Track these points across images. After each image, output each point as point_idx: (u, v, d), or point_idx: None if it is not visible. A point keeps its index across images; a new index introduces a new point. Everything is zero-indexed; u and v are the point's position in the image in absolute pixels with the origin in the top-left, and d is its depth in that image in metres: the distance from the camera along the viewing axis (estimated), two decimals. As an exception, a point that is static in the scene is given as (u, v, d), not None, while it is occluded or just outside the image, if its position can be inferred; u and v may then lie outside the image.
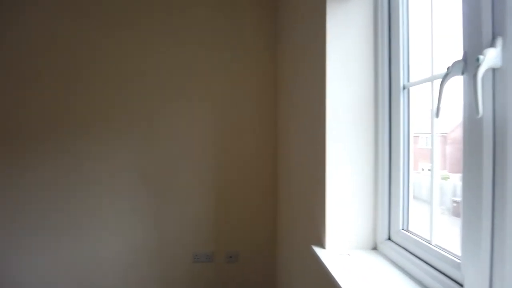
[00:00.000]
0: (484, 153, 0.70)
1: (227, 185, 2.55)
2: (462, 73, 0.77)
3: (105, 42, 2.47)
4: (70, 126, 2.45)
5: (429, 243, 0.99)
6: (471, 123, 0.74)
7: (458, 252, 0.84)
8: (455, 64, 0.79)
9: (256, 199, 2.57)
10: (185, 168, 2.53)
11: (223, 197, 2.55)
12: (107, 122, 2.47)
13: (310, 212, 1.49)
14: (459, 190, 0.94)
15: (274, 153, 2.57)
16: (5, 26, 2.42)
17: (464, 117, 0.77)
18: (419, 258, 1.01)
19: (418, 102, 1.15)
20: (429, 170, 1.01)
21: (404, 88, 1.17)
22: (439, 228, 0.97)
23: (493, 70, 0.68)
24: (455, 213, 1.09)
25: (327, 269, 1.09)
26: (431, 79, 0.98)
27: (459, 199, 0.98)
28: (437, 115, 0.84)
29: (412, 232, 1.13)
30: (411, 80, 1.16)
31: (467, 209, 0.75)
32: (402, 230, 1.16)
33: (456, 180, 1.11)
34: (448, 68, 0.81)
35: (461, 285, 0.80)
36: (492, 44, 0.67)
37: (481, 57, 0.65)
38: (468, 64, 0.76)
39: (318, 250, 1.27)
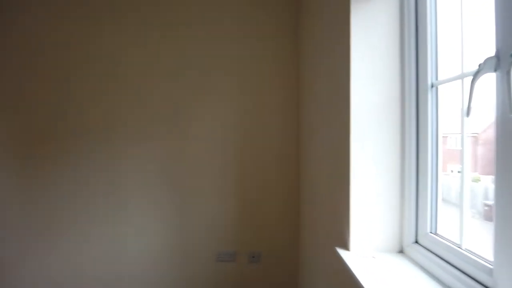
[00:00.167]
0: (518, 154, 0.67)
1: (250, 185, 2.56)
2: (495, 70, 0.74)
3: (138, 43, 2.54)
4: (102, 126, 2.55)
5: (459, 247, 0.95)
6: (504, 122, 0.71)
7: (490, 257, 0.81)
8: (487, 61, 0.76)
9: (279, 200, 2.57)
10: (209, 168, 2.56)
11: (246, 197, 2.56)
12: (134, 123, 2.55)
13: (334, 213, 1.48)
14: (491, 193, 0.90)
15: (297, 153, 2.56)
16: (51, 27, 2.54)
17: (497, 116, 0.74)
18: (448, 263, 0.97)
19: (448, 100, 1.11)
20: (459, 172, 0.98)
21: (432, 86, 1.14)
22: (470, 232, 0.93)
23: (529, 67, 0.65)
24: (487, 217, 1.04)
25: (351, 271, 1.07)
26: (462, 77, 0.94)
27: (491, 202, 0.94)
28: (467, 114, 0.81)
29: (440, 235, 1.10)
30: (439, 78, 1.13)
31: (501, 212, 0.72)
32: (430, 234, 1.13)
33: (488, 183, 1.06)
34: (479, 65, 0.78)
35: (493, 291, 0.77)
36: (527, 39, 0.64)
37: (515, 53, 0.63)
38: (501, 61, 0.73)
39: (342, 252, 1.25)
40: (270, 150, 2.56)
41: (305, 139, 2.30)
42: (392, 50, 1.23)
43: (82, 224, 2.55)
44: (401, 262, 1.14)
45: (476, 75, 0.78)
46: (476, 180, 1.12)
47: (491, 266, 0.80)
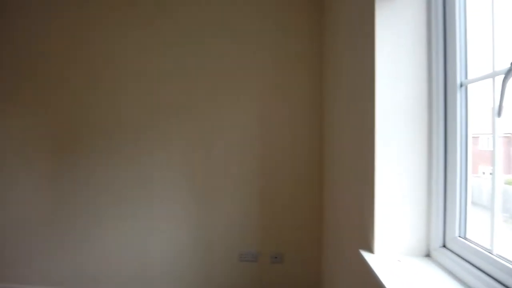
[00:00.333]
0: (554, 156, 0.63)
1: (272, 185, 2.57)
2: (529, 68, 0.71)
3: (170, 46, 2.61)
4: (134, 127, 2.64)
5: (490, 253, 0.91)
6: (539, 122, 0.68)
7: (524, 264, 0.77)
8: (520, 58, 0.73)
9: (302, 201, 2.55)
10: (231, 168, 2.58)
11: (269, 198, 2.57)
12: (166, 125, 2.62)
13: (358, 214, 1.45)
14: (525, 196, 0.86)
15: (320, 153, 2.54)
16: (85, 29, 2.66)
17: (531, 116, 0.70)
18: (478, 268, 0.94)
19: (478, 100, 1.07)
20: (490, 173, 0.94)
21: (461, 85, 1.10)
22: (501, 237, 0.89)
23: None
24: (520, 221, 1.00)
25: (376, 275, 1.05)
26: (493, 75, 0.90)
27: (525, 206, 0.90)
28: (499, 114, 0.78)
29: (470, 240, 1.06)
30: (469, 77, 1.09)
31: (534, 217, 0.69)
32: (459, 238, 1.09)
33: (522, 185, 1.02)
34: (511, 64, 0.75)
35: (527, 300, 0.74)
36: None
37: (551, 50, 0.60)
38: (535, 58, 0.69)
39: (366, 255, 1.23)
40: (293, 152, 2.56)
41: (329, 139, 2.28)
42: (419, 48, 1.20)
43: (116, 218, 2.66)
44: (427, 267, 1.11)
45: (508, 74, 0.75)
46: (510, 183, 1.07)
47: (524, 273, 0.76)
